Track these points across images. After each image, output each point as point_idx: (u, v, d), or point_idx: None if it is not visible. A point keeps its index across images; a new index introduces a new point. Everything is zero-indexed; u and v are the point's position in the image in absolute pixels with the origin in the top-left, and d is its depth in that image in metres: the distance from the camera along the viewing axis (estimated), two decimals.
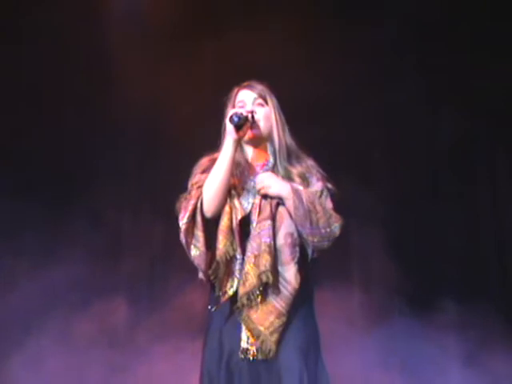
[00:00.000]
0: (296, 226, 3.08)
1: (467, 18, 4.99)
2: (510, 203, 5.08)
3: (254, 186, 3.11)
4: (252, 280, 2.99)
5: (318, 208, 3.11)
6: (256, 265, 3.00)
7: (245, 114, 3.06)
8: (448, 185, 5.10)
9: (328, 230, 3.11)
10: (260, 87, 3.21)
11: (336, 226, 3.13)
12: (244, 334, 3.02)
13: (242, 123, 3.04)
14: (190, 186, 3.15)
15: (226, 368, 3.02)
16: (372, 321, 4.91)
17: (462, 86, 5.00)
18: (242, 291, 3.01)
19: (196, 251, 3.06)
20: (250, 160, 3.20)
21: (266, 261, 3.00)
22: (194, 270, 4.64)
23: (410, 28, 4.98)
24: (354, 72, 4.94)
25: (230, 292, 3.04)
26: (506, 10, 4.97)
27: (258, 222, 3.05)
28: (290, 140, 3.21)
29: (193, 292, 4.82)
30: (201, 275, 3.11)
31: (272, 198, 3.10)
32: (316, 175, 3.20)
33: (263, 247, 3.02)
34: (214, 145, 4.69)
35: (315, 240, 3.10)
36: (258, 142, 3.19)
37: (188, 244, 3.06)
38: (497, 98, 4.99)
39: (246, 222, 3.07)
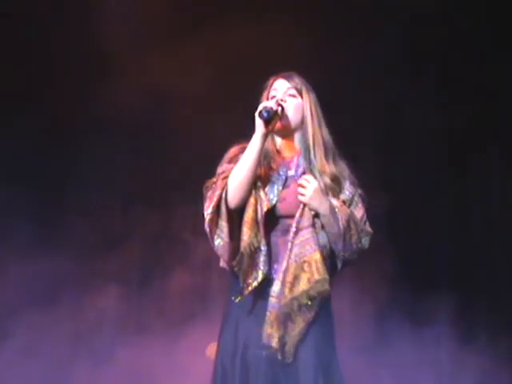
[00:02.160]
0: (328, 239, 3.12)
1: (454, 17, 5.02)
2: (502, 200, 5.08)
3: (281, 177, 3.11)
4: (304, 286, 3.02)
5: (352, 226, 3.12)
6: (309, 272, 3.02)
7: (274, 107, 3.04)
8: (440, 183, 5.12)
9: (359, 245, 3.16)
10: (298, 80, 3.19)
11: (366, 239, 3.18)
12: (269, 333, 3.02)
13: (270, 117, 3.01)
14: (216, 173, 3.14)
15: (242, 360, 3.03)
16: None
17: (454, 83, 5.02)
18: (288, 294, 3.01)
19: (220, 241, 3.05)
20: (279, 150, 3.18)
21: (320, 269, 3.02)
22: (185, 260, 4.98)
23: (404, 27, 4.98)
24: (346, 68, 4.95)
25: (255, 283, 3.02)
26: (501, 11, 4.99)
27: (301, 229, 3.07)
28: (327, 136, 3.19)
29: (181, 281, 4.87)
30: (223, 264, 3.12)
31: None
32: (349, 179, 3.20)
33: (316, 255, 3.04)
34: (213, 139, 4.68)
35: (346, 255, 3.13)
36: (287, 133, 3.17)
37: (212, 234, 3.05)
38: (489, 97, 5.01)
39: (271, 214, 3.06)
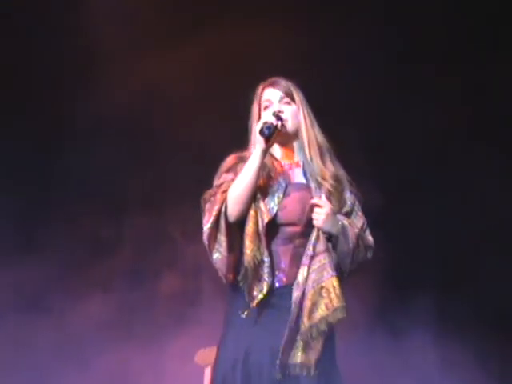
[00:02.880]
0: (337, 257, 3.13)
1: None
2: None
3: (281, 185, 3.09)
4: (322, 313, 3.01)
5: (360, 243, 3.15)
6: (328, 298, 3.01)
7: (275, 123, 3.01)
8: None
9: (365, 258, 3.20)
10: (285, 84, 3.16)
11: (370, 252, 3.22)
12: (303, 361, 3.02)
13: (271, 134, 3.00)
14: (214, 184, 3.13)
15: (244, 369, 3.00)
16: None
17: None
18: (307, 322, 2.99)
19: (218, 255, 3.04)
20: (278, 158, 3.17)
21: (339, 295, 3.02)
22: (175, 264, 4.82)
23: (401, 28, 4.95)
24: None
25: (260, 296, 3.01)
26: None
27: (317, 254, 3.05)
28: (321, 137, 3.18)
29: (170, 285, 4.81)
30: (224, 278, 3.10)
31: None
32: (347, 183, 3.20)
33: (334, 282, 3.02)
34: (206, 142, 4.60)
35: (352, 267, 3.16)
36: (286, 140, 3.15)
37: (210, 248, 3.04)
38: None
39: (271, 223, 3.05)
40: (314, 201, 3.08)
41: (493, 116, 4.96)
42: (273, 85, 3.16)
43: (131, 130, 4.95)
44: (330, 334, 3.05)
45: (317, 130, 3.17)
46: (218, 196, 3.03)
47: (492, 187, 4.93)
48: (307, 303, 3.00)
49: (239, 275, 3.02)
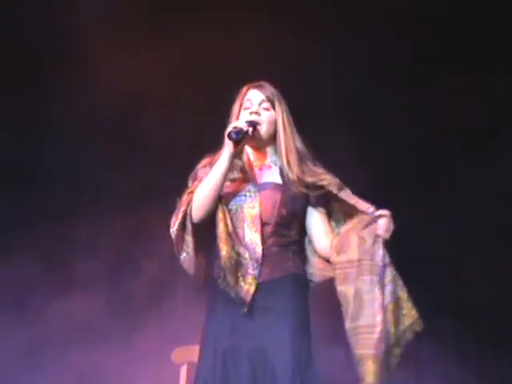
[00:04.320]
0: None
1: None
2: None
3: (250, 187, 3.13)
4: (407, 322, 3.10)
5: None
6: (406, 308, 3.09)
7: (245, 128, 3.05)
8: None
9: None
10: (270, 90, 3.21)
11: None
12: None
13: (240, 138, 3.02)
14: (188, 186, 3.20)
15: (222, 369, 3.02)
16: None
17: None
18: (395, 332, 3.06)
19: (185, 256, 3.08)
20: (249, 161, 3.21)
21: (413, 306, 3.10)
22: (156, 263, 4.80)
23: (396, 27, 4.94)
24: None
25: (252, 289, 3.02)
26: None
27: (388, 265, 3.10)
28: (300, 144, 3.21)
29: (149, 284, 4.77)
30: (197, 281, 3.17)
31: None
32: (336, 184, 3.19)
33: (405, 294, 3.12)
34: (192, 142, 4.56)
35: None
36: (260, 144, 3.19)
37: (178, 249, 3.08)
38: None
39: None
40: (379, 212, 3.09)
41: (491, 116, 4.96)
42: (257, 87, 3.20)
43: (114, 129, 4.92)
44: (307, 332, 3.06)
45: (296, 137, 3.20)
46: (184, 197, 3.07)
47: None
48: (390, 316, 3.03)
49: (219, 278, 3.03)
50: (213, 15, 4.91)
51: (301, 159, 3.17)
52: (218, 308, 3.08)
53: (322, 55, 4.91)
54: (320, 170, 3.17)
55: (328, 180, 3.14)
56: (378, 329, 2.99)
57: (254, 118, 3.12)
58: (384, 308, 3.02)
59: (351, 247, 3.09)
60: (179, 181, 3.25)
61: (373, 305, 3.01)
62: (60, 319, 4.75)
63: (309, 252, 3.23)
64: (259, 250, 3.03)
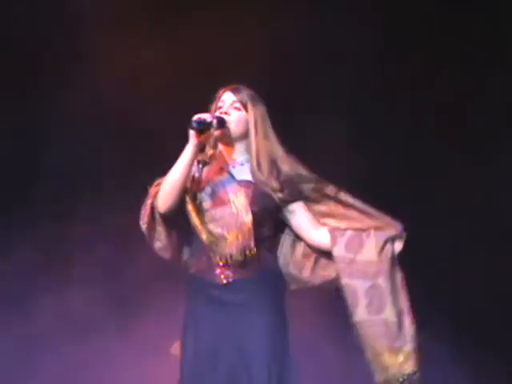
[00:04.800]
0: None
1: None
2: None
3: (221, 182, 3.21)
4: None
5: None
6: None
7: (208, 120, 3.15)
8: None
9: None
10: (245, 93, 3.30)
11: None
12: None
13: (202, 129, 3.12)
14: None
15: (201, 363, 3.14)
16: None
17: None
18: None
19: (159, 244, 3.25)
20: (223, 156, 3.30)
21: None
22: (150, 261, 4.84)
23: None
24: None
25: (240, 258, 3.14)
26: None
27: None
28: (274, 147, 3.26)
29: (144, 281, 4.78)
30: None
31: None
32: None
33: None
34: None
35: None
36: (229, 142, 3.28)
37: (150, 239, 3.25)
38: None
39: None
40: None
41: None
42: (232, 90, 3.30)
43: (115, 129, 4.93)
44: (284, 327, 3.16)
45: (272, 141, 3.26)
46: (152, 190, 3.23)
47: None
48: None
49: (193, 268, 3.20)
50: (214, 14, 4.92)
51: (271, 161, 3.23)
52: (197, 305, 3.18)
53: (323, 54, 4.94)
54: (287, 175, 3.24)
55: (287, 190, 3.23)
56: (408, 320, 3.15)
57: (222, 115, 3.22)
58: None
59: (367, 248, 3.21)
60: None
61: (397, 299, 3.16)
62: (58, 315, 4.79)
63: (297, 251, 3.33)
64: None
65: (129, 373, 4.70)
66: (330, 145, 4.75)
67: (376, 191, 4.31)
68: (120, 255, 4.80)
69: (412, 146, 4.93)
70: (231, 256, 3.13)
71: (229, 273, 3.15)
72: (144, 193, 4.74)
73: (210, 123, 3.14)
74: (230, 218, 3.15)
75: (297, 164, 3.27)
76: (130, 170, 4.82)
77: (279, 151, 3.26)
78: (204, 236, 3.14)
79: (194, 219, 3.17)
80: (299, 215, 3.27)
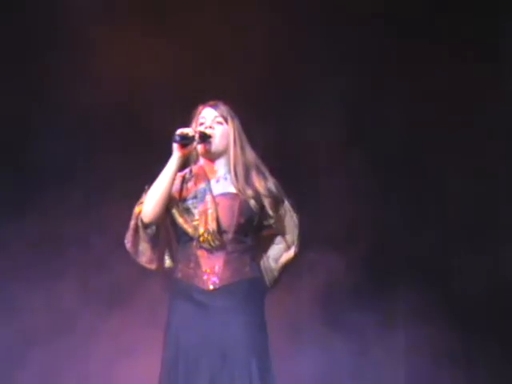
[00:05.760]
0: None
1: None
2: None
3: (204, 193, 3.35)
4: None
5: None
6: None
7: (191, 134, 3.30)
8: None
9: None
10: (223, 108, 3.46)
11: None
12: None
13: (185, 143, 3.28)
14: None
15: (181, 362, 3.24)
16: None
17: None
18: None
19: (144, 258, 3.38)
20: (203, 170, 3.44)
21: None
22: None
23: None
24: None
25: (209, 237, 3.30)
26: None
27: None
28: (250, 159, 3.43)
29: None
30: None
31: None
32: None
33: None
34: None
35: None
36: (212, 156, 3.42)
37: (136, 255, 3.38)
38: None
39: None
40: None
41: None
42: (211, 106, 3.45)
43: (114, 127, 4.93)
44: (264, 333, 3.31)
45: (248, 153, 3.43)
46: (136, 210, 3.36)
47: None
48: None
49: (179, 273, 3.34)
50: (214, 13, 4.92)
51: (247, 171, 3.41)
52: (181, 307, 3.32)
53: (322, 54, 4.96)
54: (260, 182, 3.40)
55: (264, 193, 3.39)
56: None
57: (207, 131, 3.36)
58: None
59: None
60: None
61: None
62: (47, 309, 4.79)
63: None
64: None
65: (116, 369, 4.74)
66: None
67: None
68: (111, 251, 4.72)
69: None
70: (209, 234, 3.29)
71: (215, 279, 3.30)
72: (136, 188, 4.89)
73: (193, 137, 3.29)
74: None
75: (264, 176, 3.44)
76: (122, 165, 4.84)
77: (253, 160, 3.44)
78: (190, 230, 3.31)
79: (179, 219, 3.34)
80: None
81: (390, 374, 4.98)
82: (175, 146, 3.28)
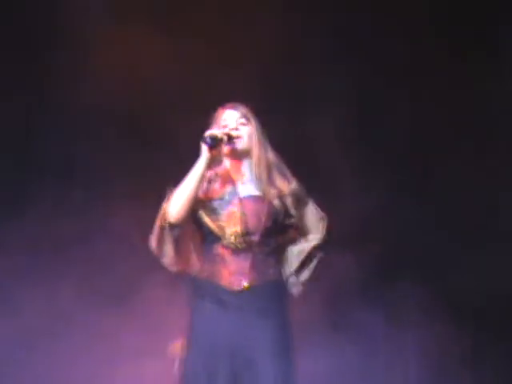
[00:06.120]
0: None
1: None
2: None
3: (230, 195, 3.38)
4: None
5: None
6: None
7: (220, 135, 3.33)
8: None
9: None
10: (243, 109, 3.48)
11: None
12: None
13: (214, 144, 3.31)
14: None
15: (206, 358, 3.27)
16: None
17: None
18: None
19: (167, 259, 3.37)
20: (228, 172, 3.46)
21: None
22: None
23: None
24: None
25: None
26: None
27: None
28: (272, 159, 3.48)
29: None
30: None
31: None
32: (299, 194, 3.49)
33: None
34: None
35: None
36: (239, 156, 3.46)
37: (159, 255, 3.37)
38: None
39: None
40: None
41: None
42: (232, 107, 3.48)
43: (114, 127, 4.90)
44: (289, 335, 3.35)
45: (270, 153, 3.48)
46: (161, 210, 3.33)
47: None
48: None
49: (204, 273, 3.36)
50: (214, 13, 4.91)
51: (270, 170, 3.45)
52: (206, 307, 3.34)
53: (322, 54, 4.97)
54: (283, 182, 3.45)
55: (286, 193, 3.44)
56: None
57: (234, 133, 3.39)
58: None
59: None
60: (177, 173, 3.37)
61: None
62: (47, 309, 4.78)
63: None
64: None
65: (124, 371, 4.72)
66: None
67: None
68: (112, 250, 4.77)
69: None
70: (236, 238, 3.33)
71: (242, 280, 3.32)
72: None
73: (221, 139, 3.33)
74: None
75: (286, 175, 3.48)
76: (122, 165, 4.82)
77: (274, 159, 3.49)
78: (216, 230, 3.34)
79: (205, 218, 3.36)
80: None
81: (399, 374, 5.01)
82: (204, 147, 3.31)
